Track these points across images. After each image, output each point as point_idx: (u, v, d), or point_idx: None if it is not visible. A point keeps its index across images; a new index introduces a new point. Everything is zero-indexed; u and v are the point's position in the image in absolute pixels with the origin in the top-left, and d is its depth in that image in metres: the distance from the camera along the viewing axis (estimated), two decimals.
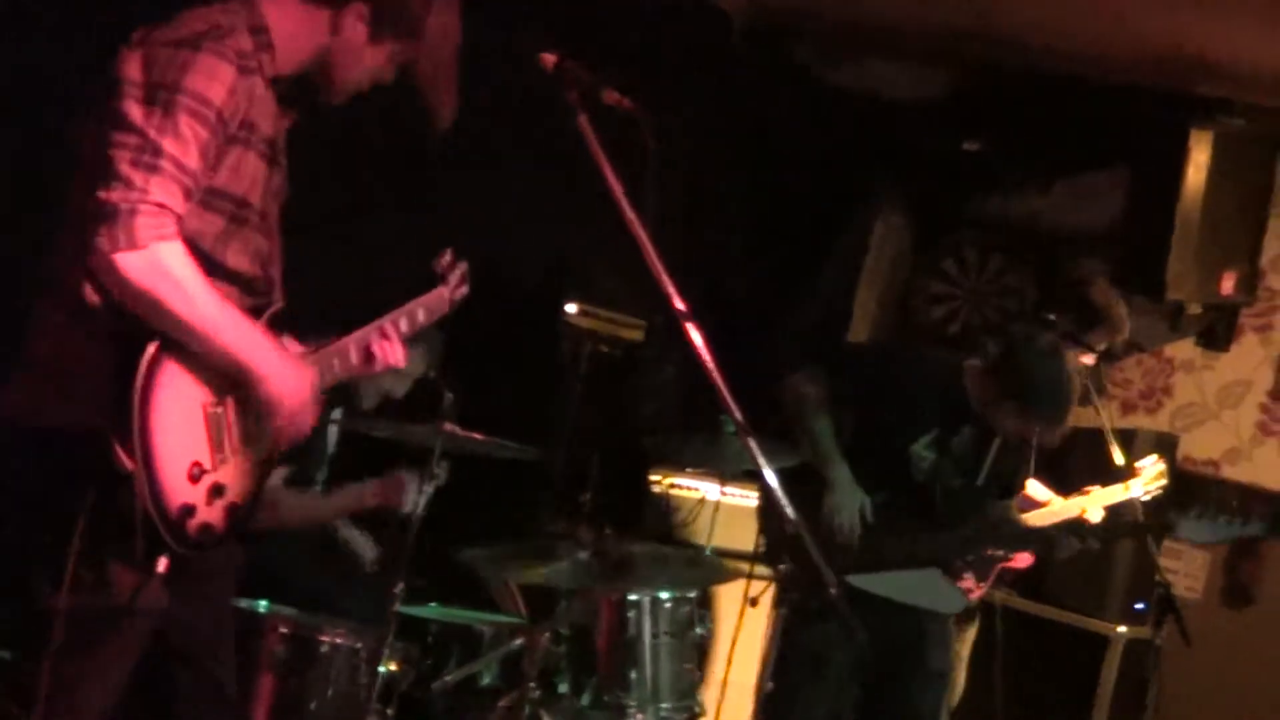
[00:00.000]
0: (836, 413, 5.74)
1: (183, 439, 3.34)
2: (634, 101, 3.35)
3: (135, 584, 3.35)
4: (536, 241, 7.23)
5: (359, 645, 4.87)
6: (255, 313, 3.54)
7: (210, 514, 3.42)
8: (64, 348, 3.31)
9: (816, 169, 8.34)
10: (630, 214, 3.24)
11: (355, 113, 5.60)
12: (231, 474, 3.49)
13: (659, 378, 7.78)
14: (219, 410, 3.43)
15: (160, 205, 3.20)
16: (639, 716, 5.28)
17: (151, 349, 3.26)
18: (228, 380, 3.43)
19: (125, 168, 3.20)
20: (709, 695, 5.61)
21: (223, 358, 3.37)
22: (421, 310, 4.07)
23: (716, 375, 3.26)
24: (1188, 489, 7.89)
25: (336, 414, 5.80)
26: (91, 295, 3.27)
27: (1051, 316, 6.00)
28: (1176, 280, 7.26)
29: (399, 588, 4.89)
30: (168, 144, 3.23)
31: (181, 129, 3.24)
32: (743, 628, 5.68)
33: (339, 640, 4.86)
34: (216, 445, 3.43)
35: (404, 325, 4.00)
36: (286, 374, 3.50)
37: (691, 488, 7.00)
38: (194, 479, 3.36)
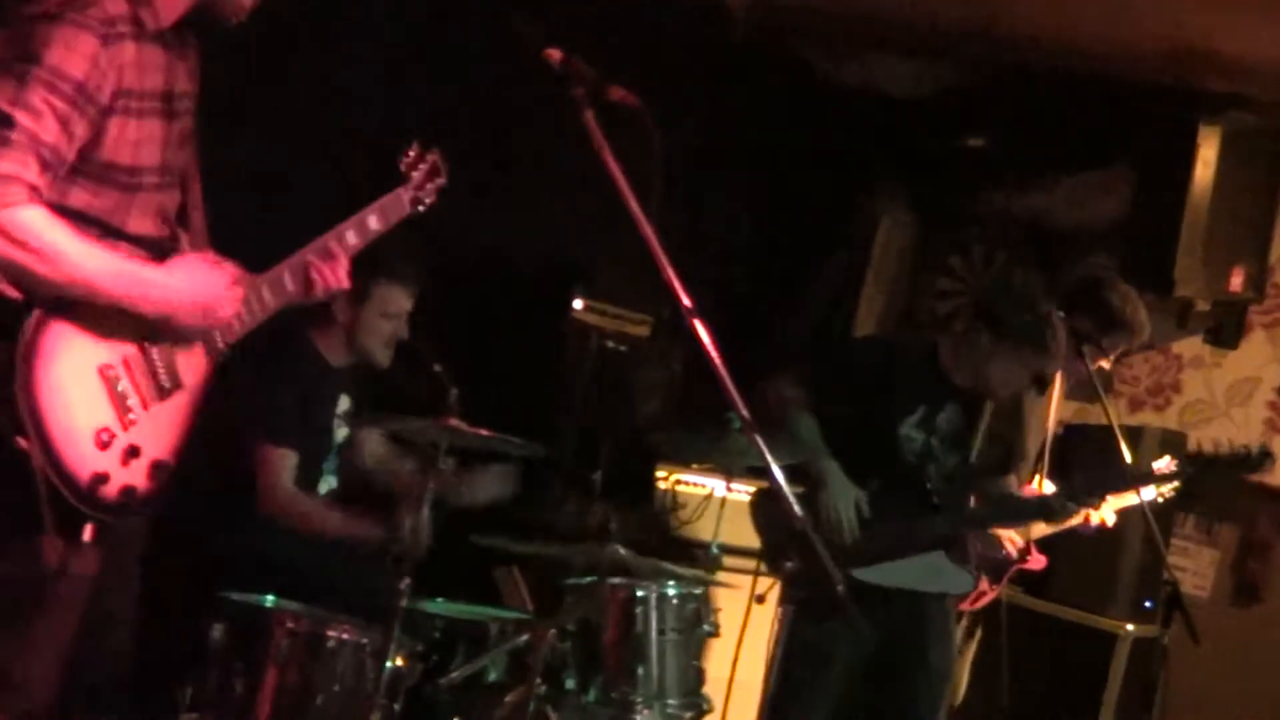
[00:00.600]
0: (821, 408, 5.75)
1: (82, 408, 3.31)
2: (638, 98, 3.35)
3: (62, 552, 3.34)
4: (543, 237, 7.22)
5: (365, 640, 4.86)
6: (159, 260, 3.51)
7: (129, 476, 3.41)
8: None
9: (821, 166, 8.33)
10: (636, 210, 3.24)
11: (358, 110, 5.62)
12: (147, 432, 3.46)
13: (665, 374, 7.76)
14: (116, 371, 3.40)
15: (9, 177, 3.16)
16: (645, 712, 5.26)
17: (30, 325, 3.23)
18: (120, 338, 3.40)
19: None
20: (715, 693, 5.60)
21: (114, 305, 3.33)
22: (374, 216, 3.94)
23: (722, 371, 3.26)
24: (1197, 487, 7.89)
25: (344, 404, 5.79)
26: None
27: (1061, 313, 6.00)
28: (1184, 277, 7.25)
29: (405, 583, 4.87)
30: (20, 116, 3.19)
31: (35, 103, 3.19)
32: (749, 625, 5.66)
33: (345, 635, 4.85)
34: (123, 408, 3.40)
35: (351, 238, 3.89)
36: (190, 290, 3.46)
37: (697, 484, 6.99)
38: (104, 445, 3.34)
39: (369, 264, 5.71)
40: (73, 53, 3.23)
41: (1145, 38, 6.96)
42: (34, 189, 3.21)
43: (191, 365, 3.62)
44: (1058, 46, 7.33)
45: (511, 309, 7.14)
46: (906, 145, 8.41)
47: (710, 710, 5.48)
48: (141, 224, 3.47)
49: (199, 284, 3.50)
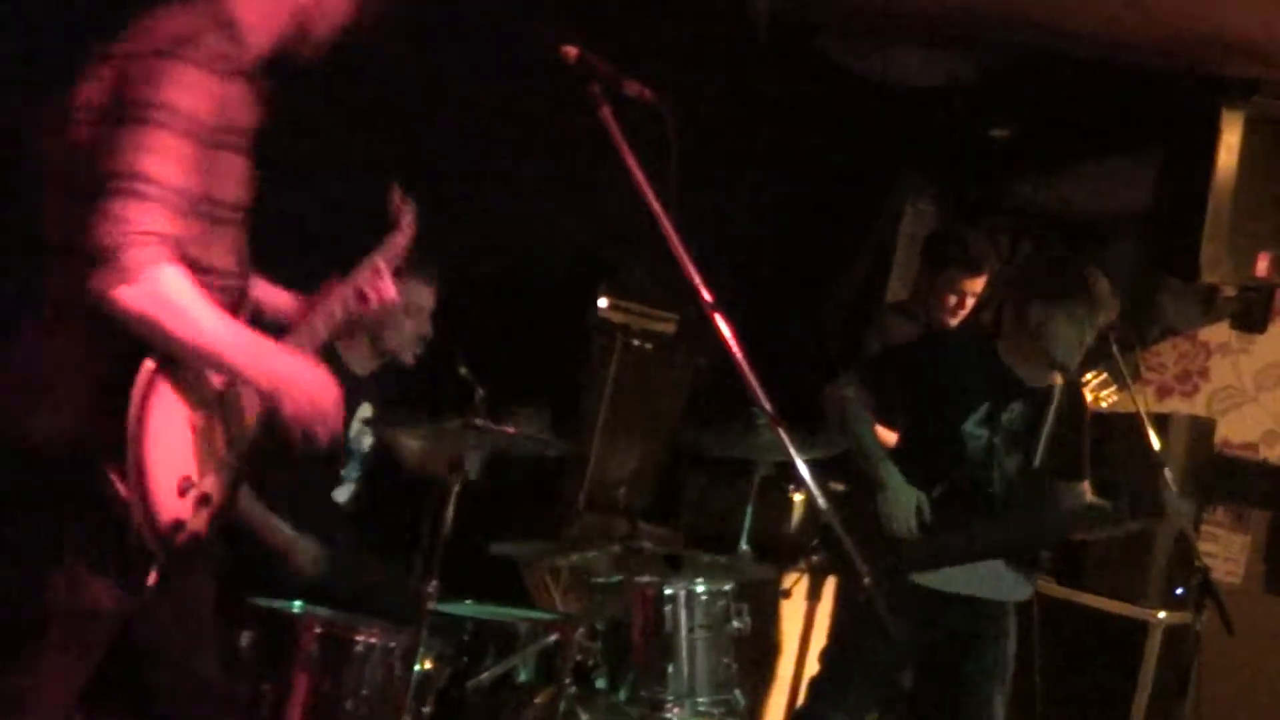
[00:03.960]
0: (884, 413, 5.71)
1: (173, 456, 3.34)
2: (656, 93, 3.34)
3: (112, 593, 3.34)
4: (567, 235, 7.22)
5: (394, 644, 4.86)
6: (234, 298, 3.51)
7: (197, 523, 3.43)
8: (53, 367, 3.28)
9: (844, 159, 8.32)
10: (655, 205, 3.23)
11: (379, 108, 5.61)
12: (217, 481, 3.49)
13: (691, 370, 7.75)
14: (207, 423, 3.43)
15: (149, 233, 3.13)
16: (676, 711, 5.26)
17: (145, 374, 3.23)
18: (213, 392, 3.44)
19: (108, 199, 3.13)
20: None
21: (235, 376, 3.39)
22: (382, 259, 4.07)
23: (745, 366, 3.24)
24: (1226, 473, 7.85)
25: (365, 411, 5.79)
26: (82, 316, 3.22)
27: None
28: (1210, 263, 7.21)
29: (433, 585, 4.87)
30: (147, 165, 3.15)
31: (160, 146, 3.16)
32: (781, 619, 5.65)
33: (374, 639, 4.85)
34: (204, 457, 3.43)
35: (367, 289, 4.01)
36: (306, 381, 3.47)
37: None
38: (183, 493, 3.36)
39: None
40: (191, 91, 3.20)
41: (1166, 23, 6.92)
42: (172, 240, 3.18)
43: (253, 409, 3.64)
44: (1079, 35, 7.29)
45: (536, 308, 7.14)
46: (930, 137, 8.39)
47: (741, 706, 5.47)
48: (224, 259, 3.45)
49: (317, 382, 3.50)
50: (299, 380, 3.45)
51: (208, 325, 3.25)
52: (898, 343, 6.66)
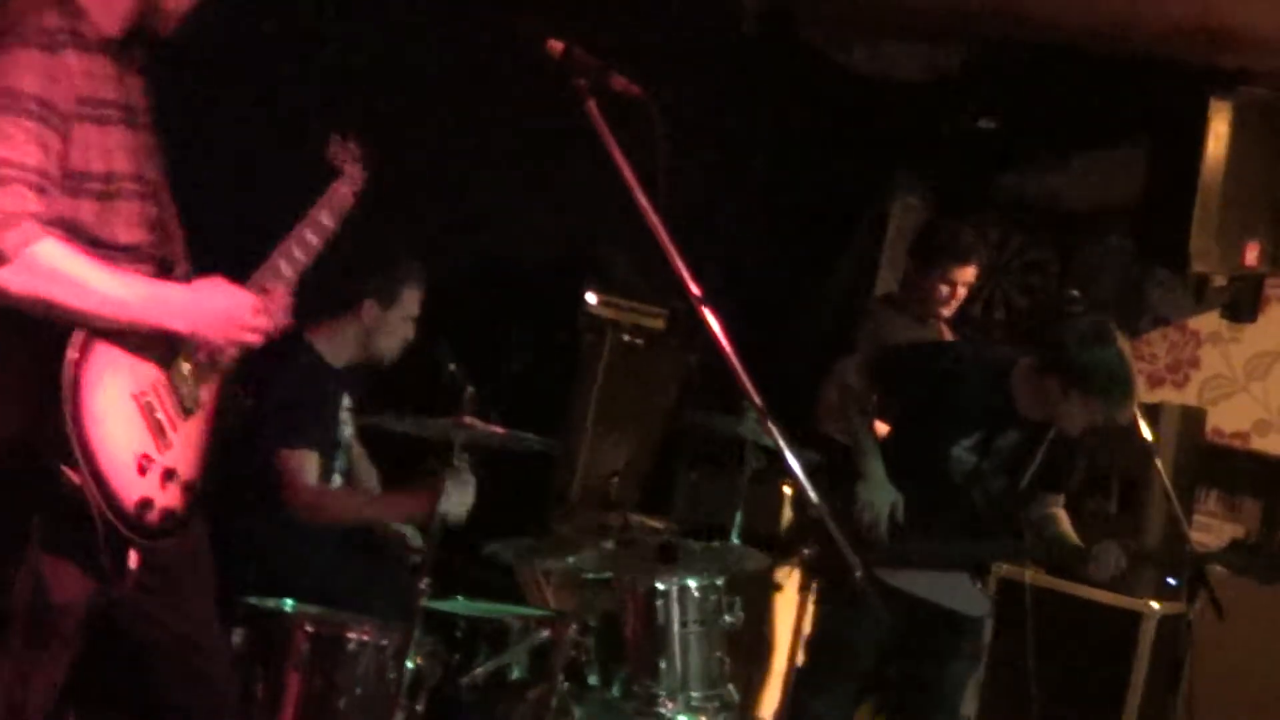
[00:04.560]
0: (882, 407, 5.70)
1: (124, 435, 3.33)
2: (642, 87, 3.33)
3: (83, 582, 3.36)
4: (555, 231, 7.21)
5: (386, 642, 4.86)
6: (156, 270, 3.49)
7: (168, 499, 3.43)
8: None
9: (832, 152, 8.31)
10: (643, 200, 3.22)
11: (360, 103, 5.60)
12: (179, 454, 3.49)
13: (682, 364, 7.74)
14: (150, 396, 3.41)
15: (17, 213, 3.15)
16: (669, 705, 5.25)
17: (69, 362, 3.22)
18: (148, 364, 3.41)
19: None
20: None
21: (135, 327, 3.34)
22: (324, 213, 3.93)
23: (734, 360, 3.24)
24: (1217, 462, 7.85)
25: (347, 402, 5.76)
26: None
27: (1075, 293, 5.93)
28: (1200, 252, 7.22)
29: (425, 583, 4.87)
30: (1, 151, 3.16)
31: (5, 129, 3.16)
32: (773, 613, 5.65)
33: (366, 637, 4.84)
34: (158, 431, 3.42)
35: (312, 237, 3.88)
36: (217, 303, 3.47)
37: None
38: (143, 471, 3.36)
39: (399, 268, 5.71)
40: (21, 69, 3.20)
41: (1154, 13, 6.93)
42: (39, 218, 3.19)
43: (208, 384, 3.63)
44: (1067, 25, 7.30)
45: (525, 304, 7.12)
46: (918, 130, 8.38)
47: (734, 701, 5.46)
48: (130, 232, 3.43)
49: (224, 299, 3.50)
50: (210, 306, 3.45)
51: (101, 286, 3.24)
52: (894, 336, 6.62)
